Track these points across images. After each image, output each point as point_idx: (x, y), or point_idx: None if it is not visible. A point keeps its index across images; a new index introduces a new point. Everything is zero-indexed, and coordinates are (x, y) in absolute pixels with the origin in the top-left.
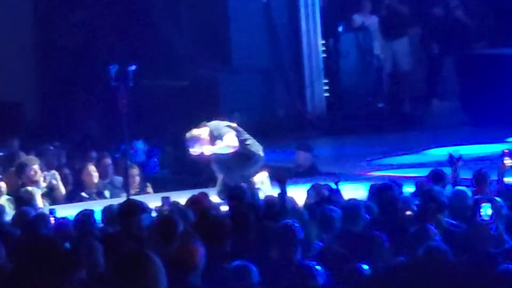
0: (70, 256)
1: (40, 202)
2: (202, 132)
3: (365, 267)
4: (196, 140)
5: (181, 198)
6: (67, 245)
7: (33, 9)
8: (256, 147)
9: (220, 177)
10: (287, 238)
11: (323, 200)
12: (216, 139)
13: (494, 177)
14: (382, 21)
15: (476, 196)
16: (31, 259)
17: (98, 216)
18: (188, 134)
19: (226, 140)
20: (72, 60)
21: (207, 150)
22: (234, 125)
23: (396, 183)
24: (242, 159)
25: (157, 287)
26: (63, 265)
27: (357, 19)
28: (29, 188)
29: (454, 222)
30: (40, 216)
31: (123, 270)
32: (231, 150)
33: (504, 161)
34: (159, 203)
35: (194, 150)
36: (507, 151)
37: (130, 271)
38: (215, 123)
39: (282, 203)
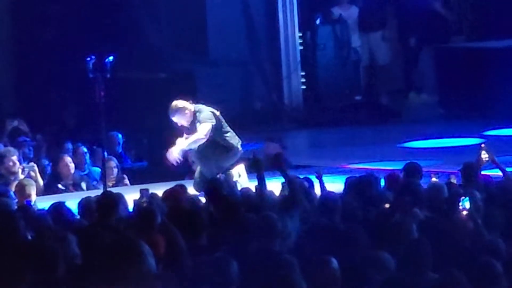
0: (38, 248)
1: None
2: (187, 105)
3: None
4: (179, 111)
5: (159, 190)
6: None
7: (9, 1)
8: (235, 140)
9: (197, 169)
10: (265, 230)
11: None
12: (195, 121)
13: None
14: (360, 13)
15: (453, 190)
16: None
17: (74, 208)
18: (173, 104)
19: (200, 128)
20: (49, 52)
21: (178, 148)
22: (218, 113)
23: (373, 176)
24: (220, 151)
25: (149, 272)
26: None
27: (336, 11)
28: (25, 181)
29: (430, 215)
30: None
31: (116, 260)
32: (200, 142)
33: (482, 155)
34: (136, 195)
35: (170, 156)
36: (483, 145)
37: (124, 260)
38: (200, 106)
39: (260, 195)
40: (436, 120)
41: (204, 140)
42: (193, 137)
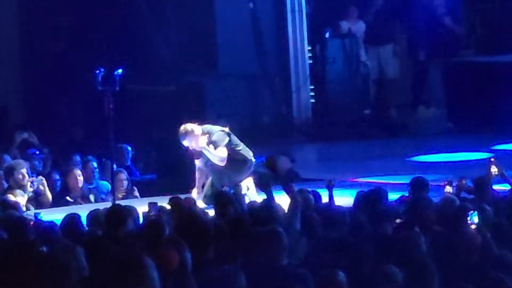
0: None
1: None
2: (195, 128)
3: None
4: (188, 135)
5: (166, 203)
6: (45, 249)
7: (19, 13)
8: (247, 152)
9: (207, 182)
10: (272, 244)
11: (307, 206)
12: (208, 143)
13: None
14: (368, 27)
15: (464, 204)
16: (14, 263)
17: (83, 221)
18: (181, 128)
19: (219, 153)
20: (58, 64)
21: (200, 144)
22: (227, 129)
23: (382, 190)
24: (236, 165)
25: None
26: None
27: (344, 25)
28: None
29: (441, 230)
30: (25, 220)
31: (120, 273)
32: (218, 164)
33: (491, 169)
34: (145, 208)
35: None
36: (493, 159)
37: (127, 274)
38: (208, 127)
39: (268, 209)
40: (445, 134)
41: (223, 164)
42: (217, 153)
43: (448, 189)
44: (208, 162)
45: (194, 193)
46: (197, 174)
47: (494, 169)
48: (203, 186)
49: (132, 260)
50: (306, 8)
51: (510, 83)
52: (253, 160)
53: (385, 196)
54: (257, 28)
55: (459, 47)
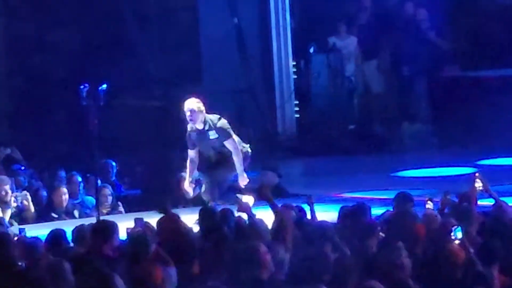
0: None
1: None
2: (200, 105)
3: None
4: (198, 107)
5: (152, 218)
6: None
7: (4, 29)
8: (243, 145)
9: (205, 180)
10: (255, 259)
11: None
12: (210, 128)
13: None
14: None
15: (446, 220)
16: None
17: (68, 236)
18: (191, 99)
19: (236, 152)
20: (43, 79)
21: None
22: (225, 121)
23: (365, 205)
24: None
25: None
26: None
27: (332, 41)
28: None
29: (425, 245)
30: (7, 236)
31: None
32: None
33: (476, 185)
34: (130, 224)
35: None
36: (478, 174)
37: None
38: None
39: (250, 225)
40: (430, 149)
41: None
42: (238, 159)
43: (430, 205)
44: (204, 153)
45: (187, 185)
46: (189, 166)
47: (478, 184)
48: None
49: (101, 277)
50: (290, 23)
51: (495, 98)
52: (249, 151)
53: (368, 211)
54: (241, 43)
55: (444, 62)
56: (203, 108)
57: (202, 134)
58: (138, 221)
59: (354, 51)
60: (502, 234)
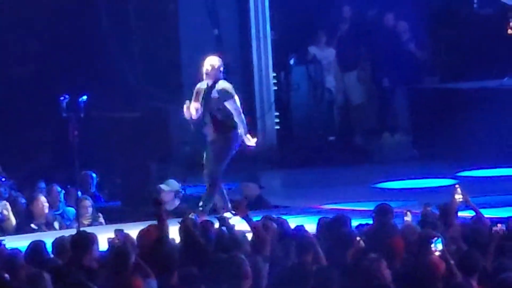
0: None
1: None
2: (220, 64)
3: None
4: (212, 66)
5: (132, 230)
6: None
7: None
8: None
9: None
10: (234, 271)
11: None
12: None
13: None
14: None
15: (426, 231)
16: None
17: (48, 248)
18: (209, 59)
19: (236, 113)
20: (23, 90)
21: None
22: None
23: (345, 216)
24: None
25: None
26: None
27: (312, 51)
28: None
29: (406, 256)
30: None
31: None
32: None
33: (456, 196)
34: (110, 235)
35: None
36: (458, 186)
37: None
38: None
39: (230, 236)
40: (410, 161)
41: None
42: (239, 120)
43: (408, 217)
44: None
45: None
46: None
47: (458, 196)
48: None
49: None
50: (270, 34)
51: (475, 109)
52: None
53: (348, 222)
54: (222, 54)
55: (424, 74)
56: (221, 68)
57: (208, 90)
58: (118, 232)
59: (333, 62)
60: (481, 246)
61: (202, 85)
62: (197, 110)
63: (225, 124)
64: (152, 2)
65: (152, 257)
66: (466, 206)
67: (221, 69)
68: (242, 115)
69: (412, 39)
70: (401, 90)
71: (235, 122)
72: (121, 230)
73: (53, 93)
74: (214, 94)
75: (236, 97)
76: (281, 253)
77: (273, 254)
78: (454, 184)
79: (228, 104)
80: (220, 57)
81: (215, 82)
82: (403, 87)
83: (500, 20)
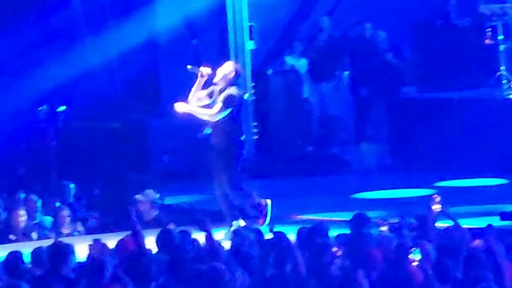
0: None
1: None
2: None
3: None
4: (232, 69)
5: (111, 240)
6: None
7: None
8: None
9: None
10: (215, 281)
11: (249, 243)
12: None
13: None
14: (311, 64)
15: (402, 242)
16: None
17: (26, 258)
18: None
19: (210, 111)
20: (1, 100)
21: (187, 108)
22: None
23: (323, 226)
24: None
25: None
26: None
27: (289, 61)
28: None
29: (382, 266)
30: None
31: None
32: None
33: (433, 207)
34: (88, 245)
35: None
36: (436, 196)
37: None
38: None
39: (209, 246)
40: (388, 171)
41: (211, 120)
42: (207, 111)
43: (385, 227)
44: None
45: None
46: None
47: (436, 206)
48: None
49: None
50: (249, 44)
51: (453, 119)
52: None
53: (325, 231)
54: (200, 65)
55: (402, 84)
56: (231, 75)
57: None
58: (96, 242)
59: (306, 72)
60: (457, 256)
61: (216, 88)
62: (199, 98)
63: (230, 131)
64: (130, 12)
65: (130, 267)
66: (445, 216)
67: (230, 76)
68: (210, 117)
69: (390, 49)
70: (379, 100)
71: (241, 129)
72: (99, 240)
73: (32, 104)
74: (221, 97)
75: (222, 106)
76: (260, 262)
77: (251, 263)
78: (432, 194)
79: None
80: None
81: (225, 88)
82: (381, 97)
83: (477, 30)
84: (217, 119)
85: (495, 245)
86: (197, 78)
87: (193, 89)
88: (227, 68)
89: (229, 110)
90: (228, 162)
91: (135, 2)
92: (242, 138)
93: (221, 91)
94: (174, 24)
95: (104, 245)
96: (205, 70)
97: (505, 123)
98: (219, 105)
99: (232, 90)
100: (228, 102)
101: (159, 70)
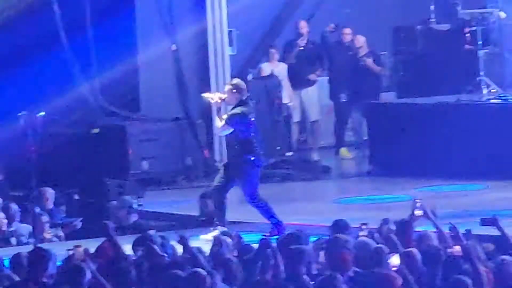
0: None
1: None
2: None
3: None
4: (233, 88)
5: (91, 246)
6: None
7: None
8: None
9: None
10: (194, 287)
11: (227, 249)
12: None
13: None
14: (290, 69)
15: (380, 247)
16: None
17: (6, 264)
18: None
19: (219, 124)
20: None
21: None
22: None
23: (302, 232)
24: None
25: None
26: None
27: (266, 67)
28: None
29: (359, 271)
30: None
31: None
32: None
33: (415, 211)
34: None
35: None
36: (418, 201)
37: None
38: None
39: (188, 252)
40: (367, 176)
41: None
42: (218, 124)
43: (364, 232)
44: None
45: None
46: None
47: (418, 211)
48: None
49: None
50: (228, 50)
51: (432, 125)
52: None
53: (303, 238)
54: (179, 70)
55: (381, 89)
56: (234, 91)
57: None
58: (76, 248)
59: (286, 78)
60: (436, 261)
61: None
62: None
63: (241, 148)
64: (110, 17)
65: (109, 273)
66: (428, 220)
67: (234, 91)
68: (220, 132)
69: (369, 55)
70: (358, 105)
71: (252, 146)
72: (79, 246)
73: (11, 110)
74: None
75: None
76: (240, 268)
77: (232, 270)
78: (415, 199)
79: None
80: None
81: (234, 106)
82: (360, 102)
83: (457, 35)
84: (220, 134)
85: (474, 250)
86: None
87: (215, 116)
88: (227, 87)
89: (231, 130)
90: (235, 178)
91: (115, 7)
92: (253, 158)
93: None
94: (153, 29)
95: (83, 250)
96: (218, 96)
97: (484, 128)
98: (221, 122)
99: (236, 110)
100: (230, 121)
101: (138, 75)
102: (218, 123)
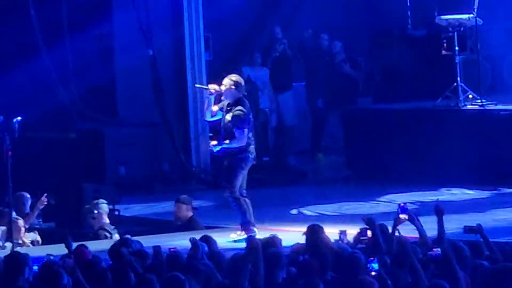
0: None
1: None
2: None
3: None
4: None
5: (65, 251)
6: None
7: None
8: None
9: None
10: None
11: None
12: (231, 110)
13: None
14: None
15: (355, 252)
16: None
17: None
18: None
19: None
20: None
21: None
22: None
23: (276, 237)
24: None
25: None
26: None
27: (246, 71)
28: None
29: (336, 276)
30: None
31: None
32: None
33: (400, 216)
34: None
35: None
36: (403, 204)
37: None
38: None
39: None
40: (344, 182)
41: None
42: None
43: (342, 238)
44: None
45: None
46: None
47: (403, 216)
48: None
49: None
50: (205, 55)
51: (409, 131)
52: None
53: (279, 243)
54: (156, 76)
55: (358, 95)
56: (233, 87)
57: (226, 111)
58: (51, 254)
59: (267, 83)
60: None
61: (225, 103)
62: (212, 112)
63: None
64: (87, 22)
65: (86, 277)
66: (413, 225)
67: (233, 87)
68: (237, 146)
69: (346, 60)
70: (335, 111)
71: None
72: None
73: None
74: (229, 117)
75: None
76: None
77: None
78: (399, 204)
79: (236, 132)
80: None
81: (233, 104)
82: (337, 108)
83: (433, 41)
84: (241, 144)
85: (452, 255)
86: (205, 95)
87: (205, 106)
88: (227, 82)
89: (245, 131)
90: (228, 176)
91: (91, 12)
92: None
93: (229, 105)
94: (130, 34)
95: (61, 255)
96: (212, 87)
97: (461, 134)
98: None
99: (239, 112)
100: (240, 124)
101: (115, 80)
102: (215, 108)
